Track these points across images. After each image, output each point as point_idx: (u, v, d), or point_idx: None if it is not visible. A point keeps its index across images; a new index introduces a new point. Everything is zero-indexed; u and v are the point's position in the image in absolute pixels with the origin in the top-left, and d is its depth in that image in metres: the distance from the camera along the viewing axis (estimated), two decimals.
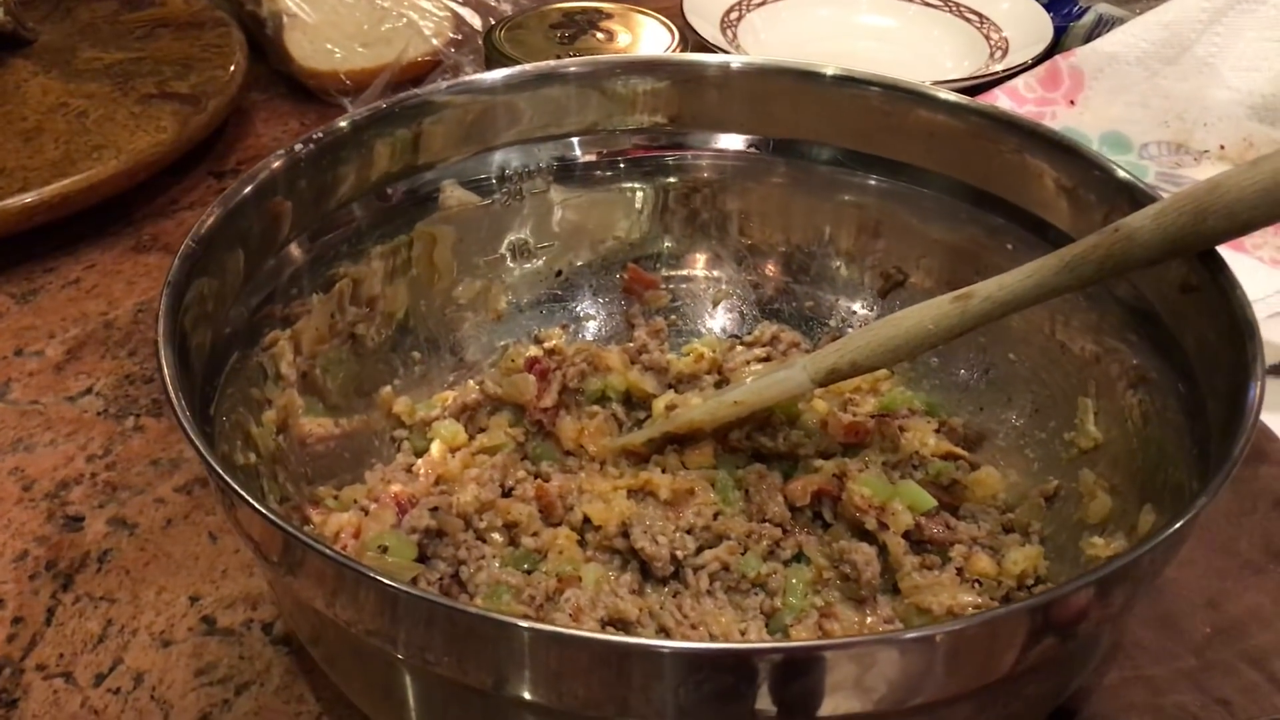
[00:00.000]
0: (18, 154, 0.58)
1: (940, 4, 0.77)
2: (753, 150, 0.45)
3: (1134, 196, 0.38)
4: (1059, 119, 0.67)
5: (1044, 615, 0.26)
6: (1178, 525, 0.26)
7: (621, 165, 0.45)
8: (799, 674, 0.26)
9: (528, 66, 0.43)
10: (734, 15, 0.74)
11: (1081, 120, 0.67)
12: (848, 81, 0.44)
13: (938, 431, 0.43)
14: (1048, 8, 0.74)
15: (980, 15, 0.75)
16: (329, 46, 0.68)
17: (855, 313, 0.46)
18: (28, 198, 0.55)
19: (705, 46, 0.69)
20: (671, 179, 0.46)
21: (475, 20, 0.69)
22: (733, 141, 0.46)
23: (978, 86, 0.67)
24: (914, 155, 0.44)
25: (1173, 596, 0.40)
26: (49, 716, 0.37)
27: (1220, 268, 0.34)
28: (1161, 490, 0.34)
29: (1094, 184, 0.40)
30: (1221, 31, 0.67)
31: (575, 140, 0.45)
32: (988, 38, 0.74)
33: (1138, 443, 0.37)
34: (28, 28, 0.66)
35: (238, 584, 0.41)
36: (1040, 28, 0.72)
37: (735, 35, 0.73)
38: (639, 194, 0.46)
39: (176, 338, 0.33)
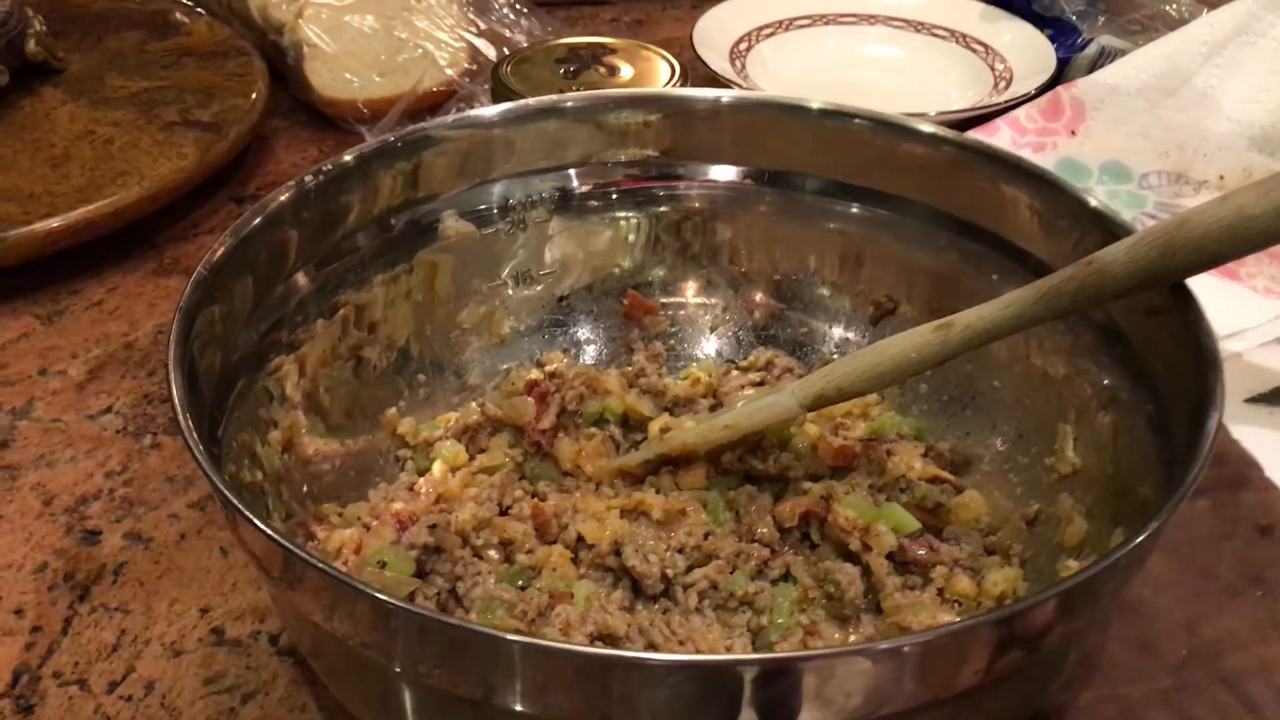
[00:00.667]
0: (45, 180, 0.60)
1: (946, 34, 0.78)
2: (742, 181, 0.47)
3: (1103, 224, 0.39)
4: (1060, 149, 0.68)
5: (1008, 629, 0.28)
6: (1128, 548, 0.27)
7: (615, 196, 0.47)
8: (768, 684, 0.27)
9: (524, 102, 0.45)
10: (743, 46, 0.76)
11: (1082, 150, 0.68)
12: (833, 115, 0.46)
13: (925, 456, 0.44)
14: (1052, 39, 0.75)
15: (985, 46, 0.77)
16: (347, 76, 0.70)
17: (849, 339, 0.48)
18: (54, 222, 0.57)
19: (714, 78, 0.70)
20: (664, 209, 0.47)
21: (490, 51, 0.71)
22: (723, 172, 0.47)
23: (981, 117, 0.69)
24: (897, 185, 0.45)
25: (1151, 618, 0.41)
26: None
27: (1188, 299, 0.35)
28: (1132, 514, 0.35)
29: (1065, 212, 0.41)
30: (1222, 64, 0.68)
31: (572, 172, 0.46)
32: (992, 68, 0.75)
33: (1112, 467, 0.38)
34: (58, 57, 0.69)
35: (246, 597, 0.43)
36: (1044, 59, 0.73)
37: (744, 66, 0.75)
38: (633, 223, 0.48)
39: (187, 361, 0.34)
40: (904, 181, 0.45)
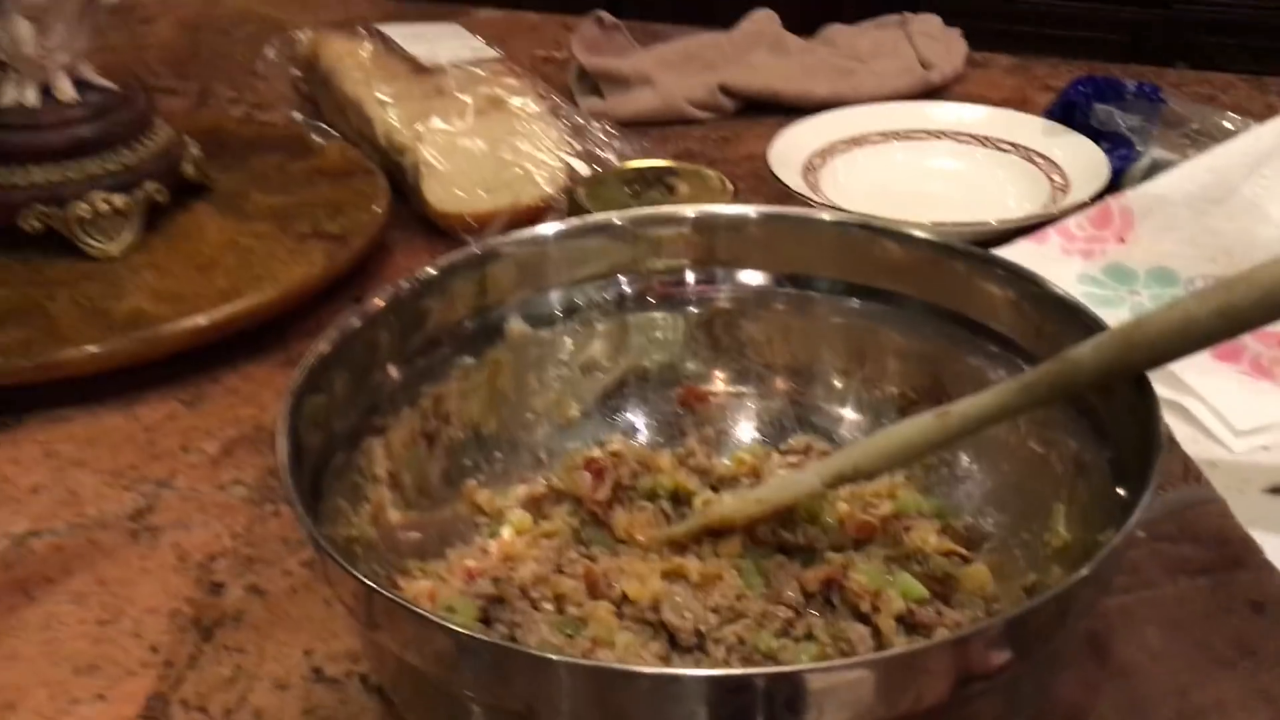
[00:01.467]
0: (194, 283, 0.70)
1: (1009, 148, 0.84)
2: (764, 283, 0.54)
3: (1064, 306, 0.46)
4: (1108, 255, 0.72)
5: (955, 653, 0.33)
6: (1043, 599, 0.33)
7: (656, 299, 0.54)
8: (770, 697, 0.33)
9: (578, 220, 0.53)
10: (816, 163, 0.83)
11: (1130, 256, 0.72)
12: (837, 225, 0.54)
13: (942, 532, 0.49)
14: (1107, 152, 0.80)
15: (1044, 157, 0.82)
16: (458, 192, 0.79)
17: (862, 423, 0.54)
18: (200, 320, 0.66)
19: (789, 194, 0.77)
20: (696, 309, 0.55)
21: (584, 169, 0.79)
22: (749, 276, 0.54)
23: (1036, 224, 0.74)
24: (892, 282, 0.52)
25: (1145, 683, 0.45)
26: None
27: (1144, 387, 0.40)
28: None
29: (1031, 298, 0.48)
30: (1268, 174, 0.72)
31: (620, 278, 0.54)
32: (1050, 179, 0.80)
33: (1090, 541, 0.42)
34: (209, 177, 0.79)
35: (343, 642, 0.49)
36: (1098, 170, 0.78)
37: (817, 181, 0.81)
38: (671, 322, 0.55)
39: (293, 438, 0.42)
40: (898, 279, 0.52)
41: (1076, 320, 0.45)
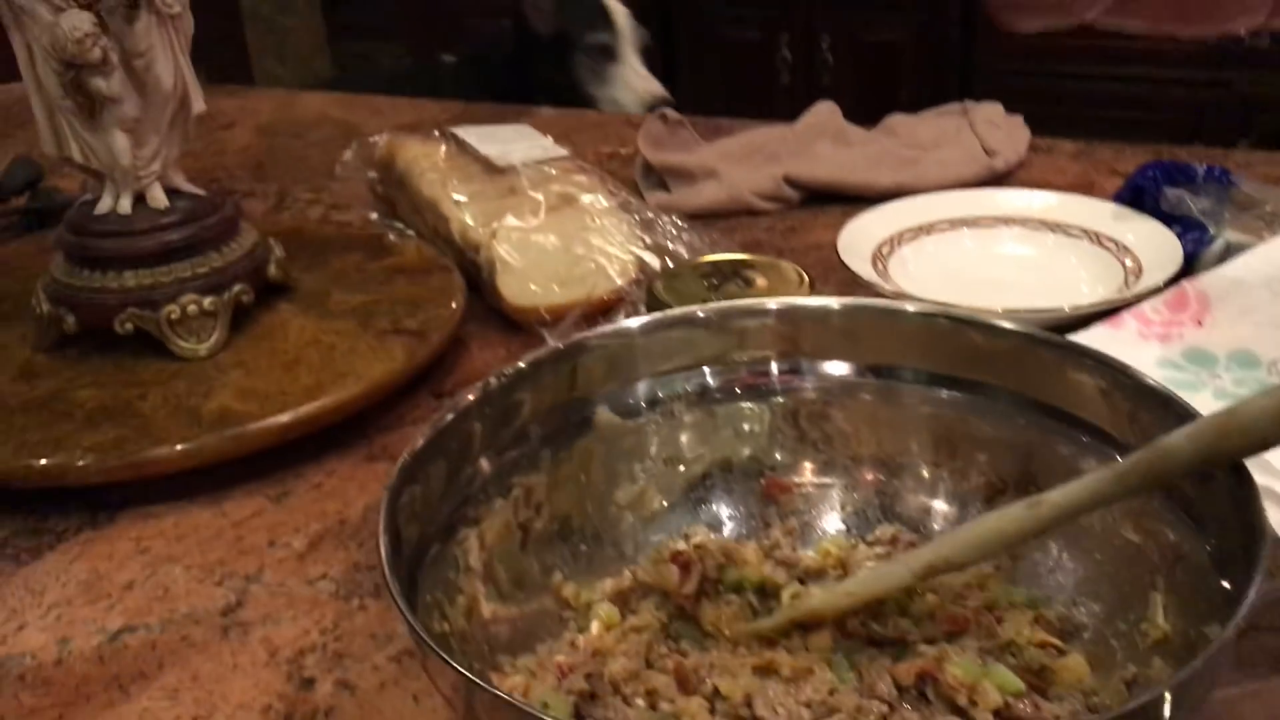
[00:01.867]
0: (279, 381, 0.71)
1: (1079, 233, 0.84)
2: (849, 374, 0.55)
3: (1155, 395, 0.46)
4: (1186, 339, 0.72)
5: None
6: (1153, 694, 0.32)
7: (741, 390, 0.55)
8: None
9: (663, 314, 0.54)
10: (885, 250, 0.83)
11: (1209, 339, 0.71)
12: (921, 315, 0.54)
13: (1035, 623, 0.48)
14: (1180, 236, 0.80)
15: (1116, 242, 0.82)
16: (533, 287, 0.80)
17: (952, 513, 0.53)
18: (285, 418, 0.67)
19: (858, 281, 0.78)
20: (782, 399, 0.55)
21: (654, 261, 0.81)
22: (834, 367, 0.55)
23: (1109, 310, 0.74)
24: (979, 373, 0.52)
25: None
26: None
27: (1241, 474, 0.40)
28: None
29: (1120, 387, 0.48)
30: None
31: (705, 370, 0.55)
32: (1122, 264, 0.80)
33: (1194, 633, 0.42)
34: (292, 277, 0.81)
35: None
36: (1171, 255, 0.78)
37: (886, 268, 0.82)
38: (757, 413, 0.55)
39: (392, 533, 0.43)
40: (983, 368, 0.52)
41: (1169, 409, 0.45)
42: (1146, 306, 0.73)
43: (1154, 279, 0.76)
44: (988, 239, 0.86)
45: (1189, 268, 0.78)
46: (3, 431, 0.68)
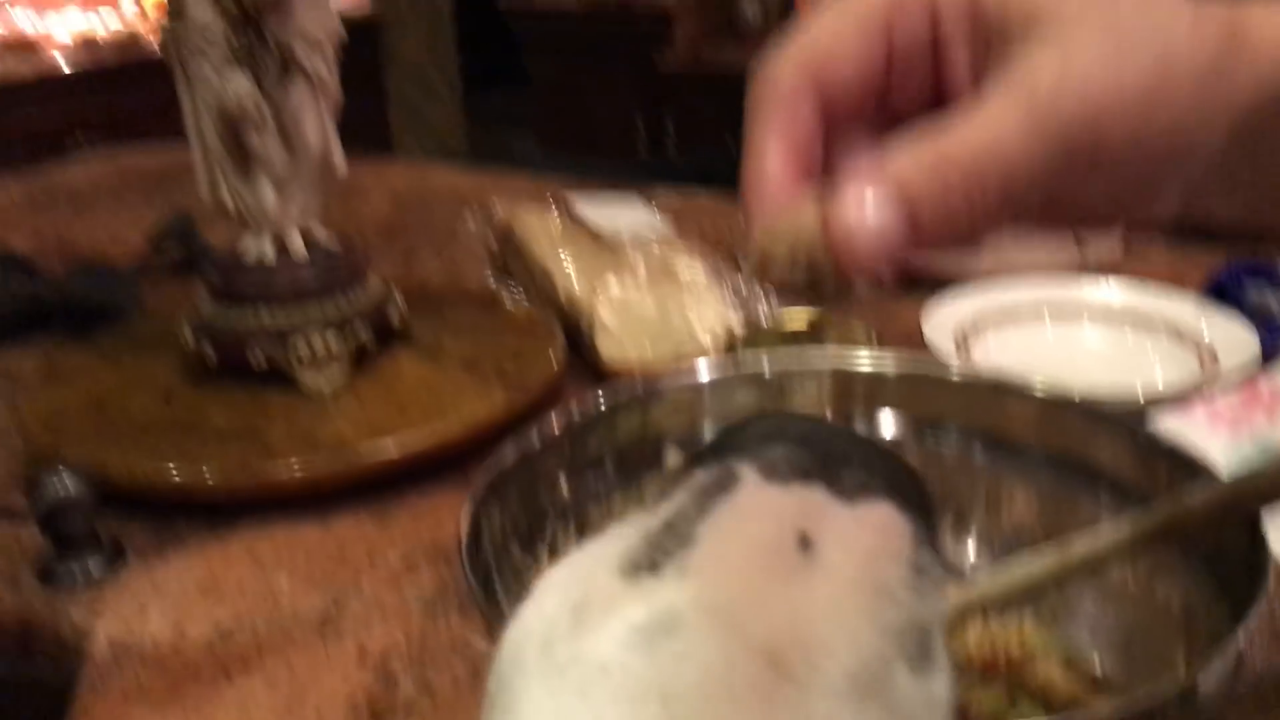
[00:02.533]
0: (390, 417, 0.78)
1: (1159, 325, 0.86)
2: (898, 430, 0.59)
3: (1176, 456, 0.49)
4: (1256, 431, 0.73)
5: None
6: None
7: None
8: None
9: (724, 371, 0.59)
10: (969, 333, 0.87)
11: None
12: (969, 378, 0.58)
13: (1066, 669, 0.51)
14: (1259, 333, 0.81)
15: (1194, 335, 0.84)
16: (627, 347, 0.86)
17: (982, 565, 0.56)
18: (392, 448, 0.74)
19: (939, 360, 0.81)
20: None
21: (739, 327, 0.86)
22: (884, 421, 0.59)
23: (1182, 399, 0.76)
24: (1017, 433, 0.56)
25: None
26: None
27: (1255, 526, 0.43)
28: None
29: (1147, 448, 0.52)
30: None
31: None
32: (1199, 357, 0.82)
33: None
34: (410, 326, 0.88)
35: None
36: (1248, 350, 0.80)
37: (969, 353, 0.85)
38: None
39: (475, 554, 0.48)
40: (1025, 431, 0.56)
41: (1195, 470, 0.48)
42: (1219, 399, 0.75)
43: (1228, 373, 0.78)
44: (1068, 329, 0.89)
45: (1267, 364, 0.80)
46: (143, 446, 0.75)
